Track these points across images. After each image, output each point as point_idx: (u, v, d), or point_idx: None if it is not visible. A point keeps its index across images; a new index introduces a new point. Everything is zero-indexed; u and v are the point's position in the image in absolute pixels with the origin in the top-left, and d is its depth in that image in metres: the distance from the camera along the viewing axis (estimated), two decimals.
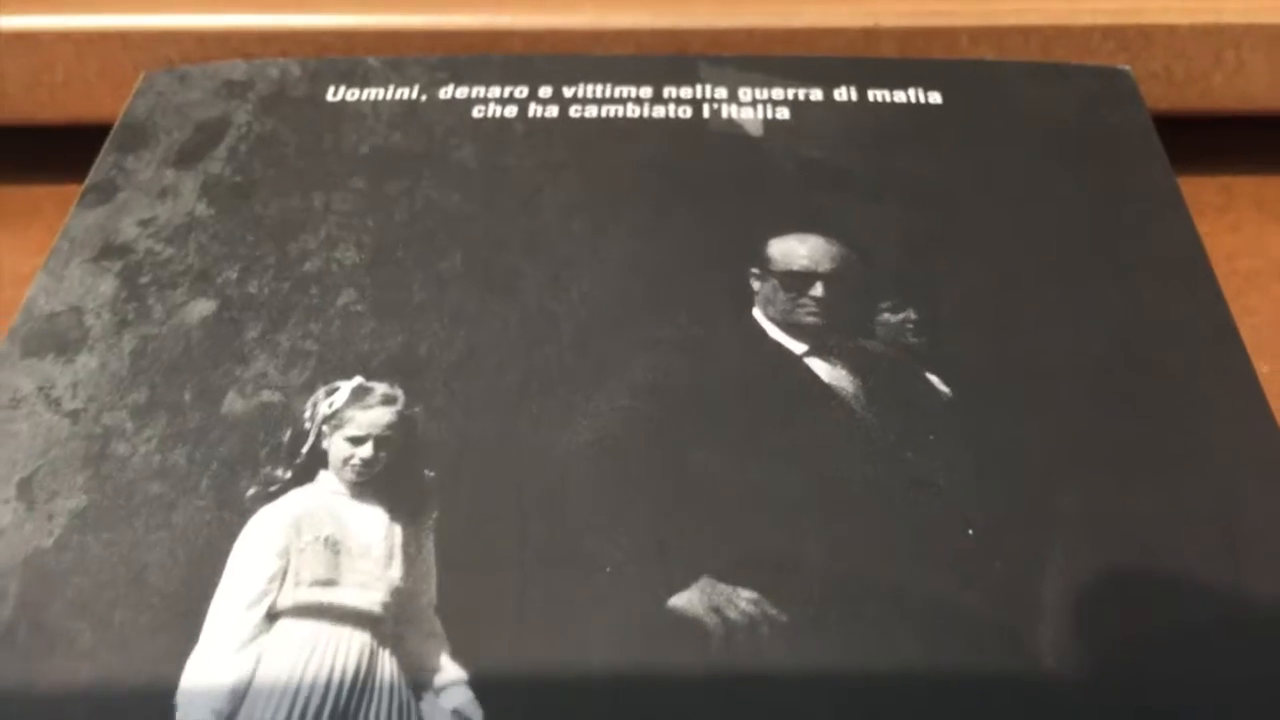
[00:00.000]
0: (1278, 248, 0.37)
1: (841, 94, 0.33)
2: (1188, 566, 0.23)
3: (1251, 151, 0.40)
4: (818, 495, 0.24)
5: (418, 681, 0.21)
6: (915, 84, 0.33)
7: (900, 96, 0.33)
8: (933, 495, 0.24)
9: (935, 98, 0.33)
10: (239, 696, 0.21)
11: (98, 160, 0.32)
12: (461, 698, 0.21)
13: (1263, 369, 0.32)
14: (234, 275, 0.29)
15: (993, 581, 0.22)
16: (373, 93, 0.33)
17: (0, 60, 0.36)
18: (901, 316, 0.27)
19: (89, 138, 0.34)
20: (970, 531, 0.23)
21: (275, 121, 0.33)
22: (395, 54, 0.34)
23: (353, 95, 0.33)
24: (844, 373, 0.26)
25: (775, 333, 0.27)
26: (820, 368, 0.26)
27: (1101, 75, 0.34)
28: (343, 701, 0.21)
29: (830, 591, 0.22)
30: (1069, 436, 0.25)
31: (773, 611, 0.22)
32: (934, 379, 0.26)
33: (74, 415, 0.26)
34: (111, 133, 0.33)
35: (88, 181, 0.32)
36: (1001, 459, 0.24)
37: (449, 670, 0.21)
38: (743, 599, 0.22)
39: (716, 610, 0.22)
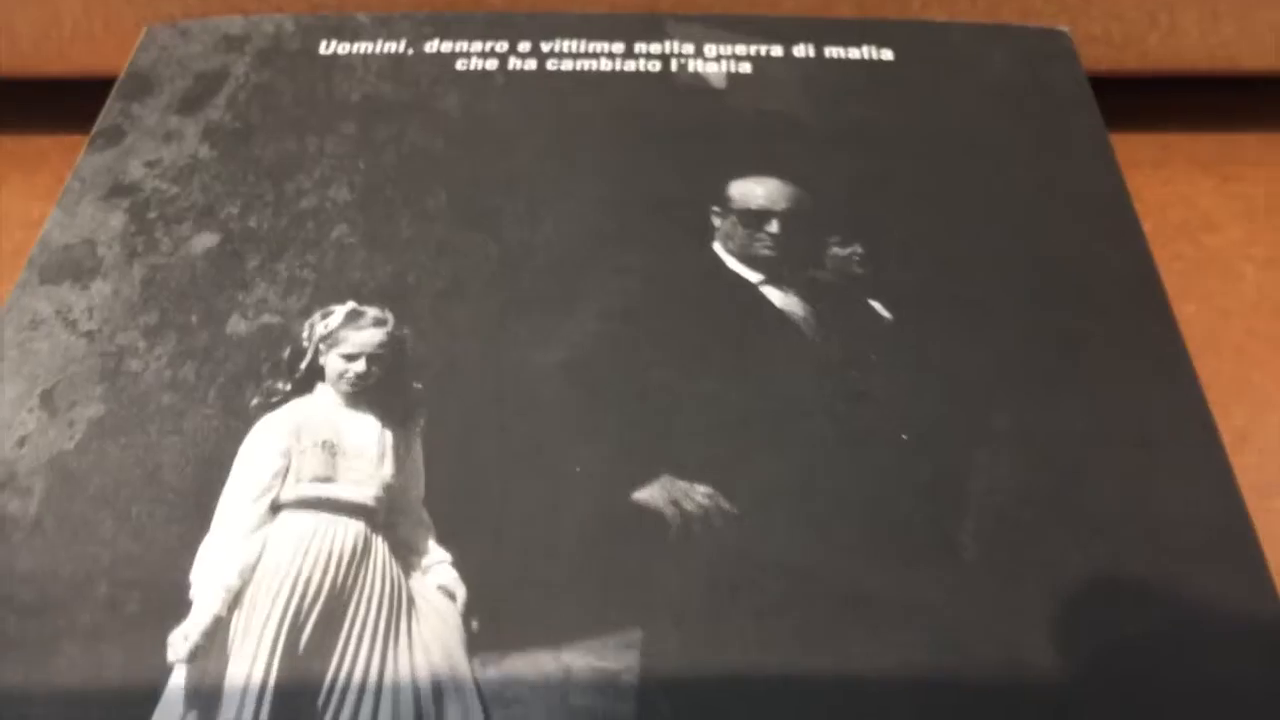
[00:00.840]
0: (1207, 200, 0.40)
1: (800, 50, 0.35)
2: (1100, 470, 0.25)
3: (1188, 111, 0.43)
4: (768, 406, 0.26)
5: (407, 563, 0.24)
6: (869, 42, 0.35)
7: (855, 53, 0.35)
8: (872, 407, 0.26)
9: (887, 55, 0.35)
10: (247, 574, 0.23)
11: (105, 108, 0.34)
12: (446, 576, 0.23)
13: (1188, 309, 0.35)
14: (235, 211, 0.31)
15: (922, 482, 0.25)
16: (362, 46, 0.36)
17: (11, 15, 0.38)
18: (849, 250, 0.30)
19: (92, 91, 0.36)
20: (904, 438, 0.26)
21: (271, 72, 0.35)
22: (384, 10, 0.36)
23: (344, 49, 0.36)
24: (795, 299, 0.28)
25: (733, 264, 0.29)
26: (774, 295, 0.29)
27: (1042, 36, 0.36)
28: (340, 578, 0.23)
29: (777, 488, 0.25)
30: (998, 358, 0.27)
31: (725, 504, 0.24)
32: (877, 305, 0.28)
33: (90, 335, 0.28)
34: (118, 82, 0.35)
35: (96, 127, 0.34)
36: (935, 376, 0.27)
37: (435, 553, 0.24)
38: (698, 493, 0.25)
39: (674, 503, 0.24)
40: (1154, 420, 0.26)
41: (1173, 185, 0.40)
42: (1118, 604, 0.23)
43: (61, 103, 0.40)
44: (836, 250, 0.30)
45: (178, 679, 0.22)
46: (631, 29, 0.35)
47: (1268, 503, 0.31)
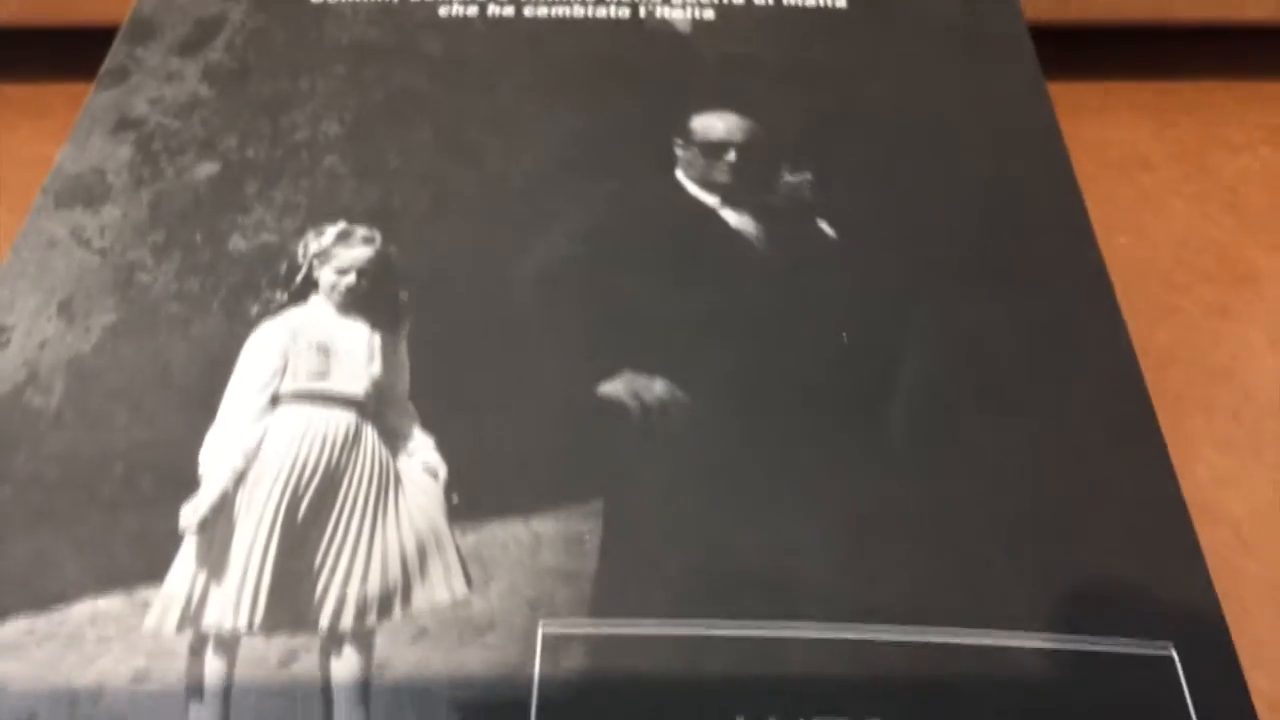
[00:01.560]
0: (1144, 142, 0.43)
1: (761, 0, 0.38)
2: (1019, 365, 0.28)
3: (1130, 61, 0.46)
4: (721, 312, 0.29)
5: (394, 446, 0.26)
6: None
7: (810, 2, 0.38)
8: (815, 312, 0.29)
9: (841, 3, 0.38)
10: (250, 457, 0.26)
11: (111, 51, 0.37)
12: (430, 457, 0.26)
13: (1121, 240, 0.38)
14: (234, 143, 0.33)
15: (857, 374, 0.28)
16: None
17: None
18: (799, 178, 0.32)
19: (95, 40, 0.38)
20: (845, 337, 0.28)
21: (266, 18, 0.37)
22: None
23: None
24: (749, 220, 0.31)
25: (693, 189, 0.32)
26: (730, 216, 0.31)
27: None
28: (334, 460, 0.26)
29: (727, 381, 0.28)
30: (931, 270, 0.30)
31: (680, 395, 0.27)
32: (823, 225, 0.31)
33: (102, 252, 0.31)
34: (122, 28, 0.37)
35: (103, 68, 0.36)
36: (874, 284, 0.30)
37: (419, 437, 0.27)
38: (657, 386, 0.27)
39: (635, 394, 0.27)
40: (1071, 326, 0.29)
41: (1113, 129, 0.43)
42: (1028, 478, 0.26)
43: (66, 52, 0.43)
44: (788, 178, 0.32)
45: (189, 545, 0.25)
46: None
47: (1184, 420, 0.34)
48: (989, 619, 0.23)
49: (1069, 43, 0.40)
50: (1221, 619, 0.24)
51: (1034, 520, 0.25)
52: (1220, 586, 0.29)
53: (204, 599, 0.24)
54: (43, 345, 0.29)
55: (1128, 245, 0.39)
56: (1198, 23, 0.43)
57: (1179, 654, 0.23)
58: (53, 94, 0.43)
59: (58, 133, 0.39)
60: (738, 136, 0.33)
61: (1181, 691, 0.23)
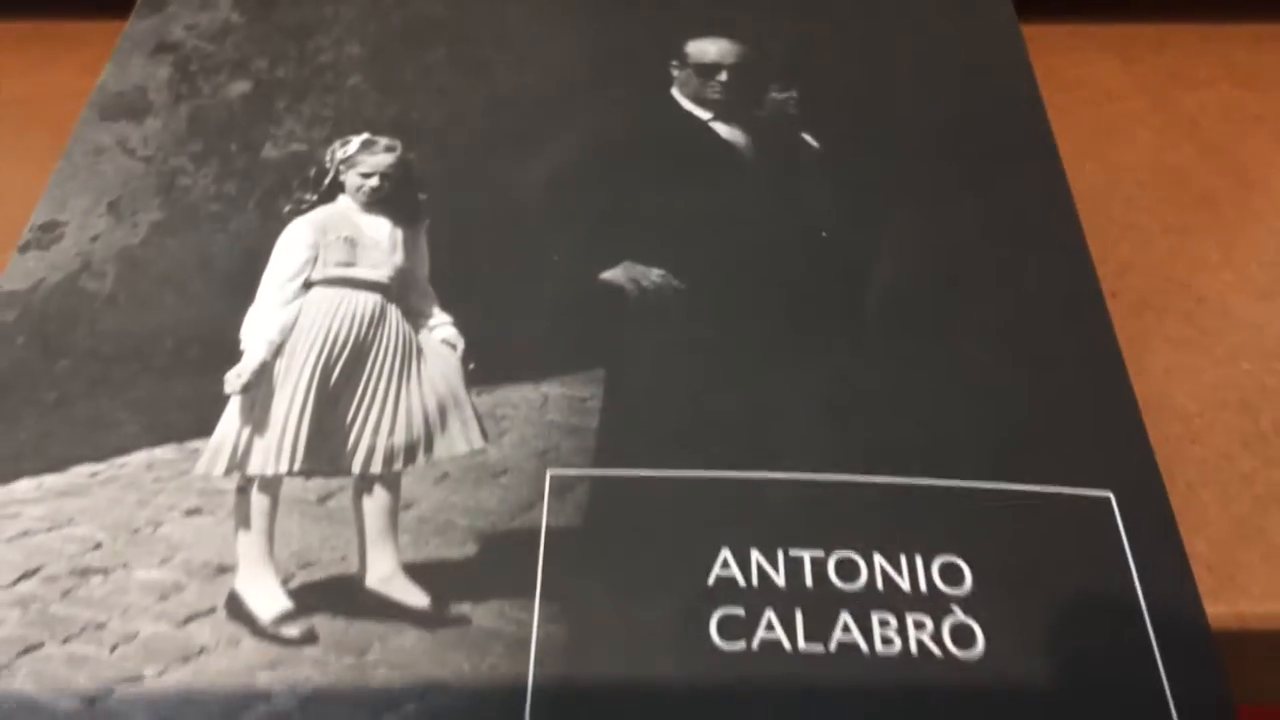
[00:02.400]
0: (1109, 78, 0.45)
1: None
2: (981, 262, 0.31)
3: (1101, 5, 0.49)
4: (711, 211, 0.32)
5: (416, 323, 0.29)
6: None
7: None
8: (798, 212, 0.32)
9: None
10: (286, 332, 0.29)
11: None
12: (448, 332, 0.29)
13: (1089, 165, 0.41)
14: (264, 65, 0.36)
15: (835, 267, 0.31)
16: None
17: None
18: (785, 95, 0.35)
19: None
20: (824, 234, 0.31)
21: None
22: None
23: None
24: (739, 132, 0.34)
25: (687, 105, 0.35)
26: (721, 129, 0.34)
27: None
28: (362, 334, 0.29)
29: (717, 271, 0.30)
30: (904, 177, 0.33)
31: (674, 281, 0.30)
32: (807, 137, 0.34)
33: (146, 160, 0.34)
34: None
35: None
36: (852, 189, 0.32)
37: (439, 316, 0.29)
38: (653, 273, 0.30)
39: (634, 280, 0.30)
40: (1032, 230, 0.32)
41: (1083, 66, 0.46)
42: (985, 353, 0.29)
43: None
44: (775, 95, 0.35)
45: (233, 405, 0.28)
46: None
47: (1139, 319, 0.37)
48: (947, 468, 0.26)
49: None
50: (1156, 472, 0.27)
51: (989, 387, 0.28)
52: (1170, 470, 0.32)
53: (249, 448, 0.27)
54: (95, 239, 0.32)
55: (1094, 170, 0.41)
56: None
57: (1117, 499, 0.26)
58: (90, 30, 0.46)
59: (94, 65, 0.41)
60: (729, 59, 0.36)
61: (1118, 530, 0.26)
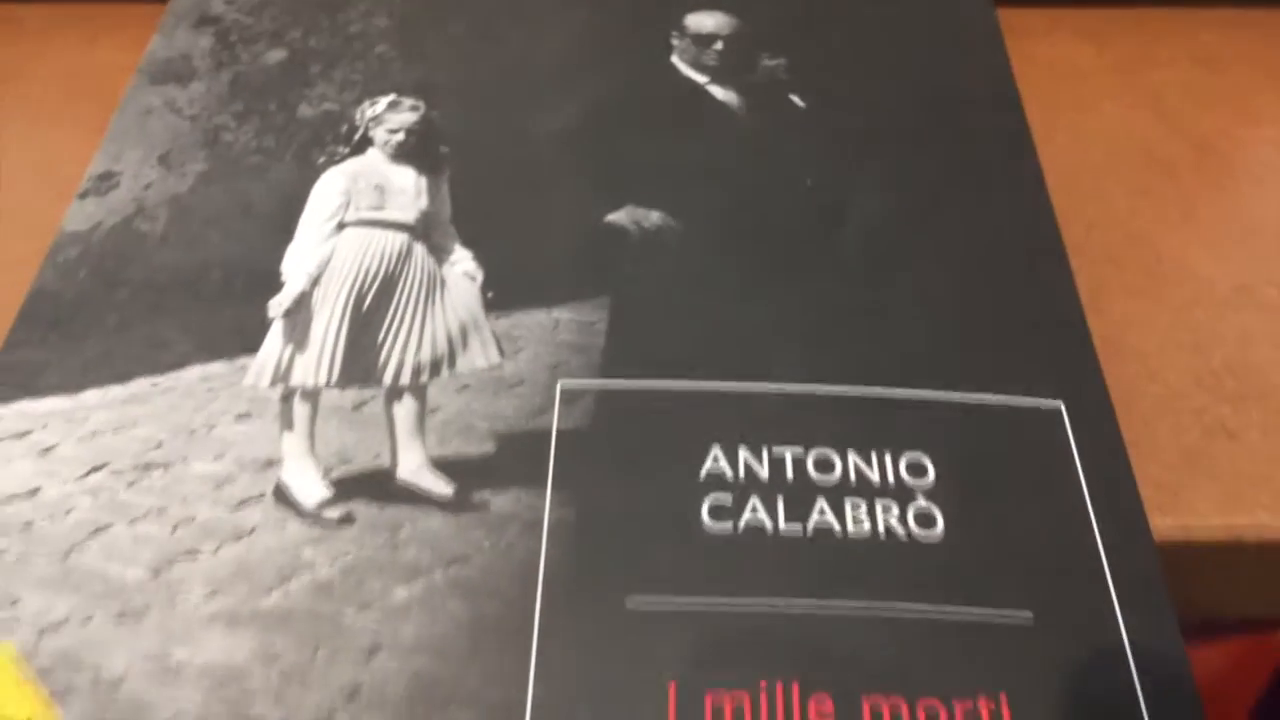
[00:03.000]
0: (1083, 59, 0.49)
1: None
2: (950, 206, 0.34)
3: None
4: (707, 162, 0.35)
5: (439, 258, 0.33)
6: None
7: None
8: (784, 162, 0.35)
9: None
10: (323, 265, 0.32)
11: None
12: (468, 265, 0.32)
13: (1060, 136, 0.44)
14: (299, 35, 0.40)
15: (818, 207, 0.34)
16: None
17: None
18: (775, 62, 0.38)
19: None
20: (808, 182, 0.35)
21: None
22: None
23: None
24: (732, 93, 0.37)
25: (686, 70, 0.38)
26: (716, 91, 0.37)
27: None
28: (391, 266, 0.32)
29: (711, 214, 0.34)
30: (881, 133, 0.36)
31: (672, 223, 0.33)
32: (794, 97, 0.37)
33: (192, 118, 0.37)
34: None
35: None
36: (833, 143, 0.36)
37: (460, 251, 0.33)
38: (653, 215, 0.34)
39: (636, 221, 0.33)
40: (994, 176, 0.35)
41: (1056, 47, 0.49)
42: (952, 283, 0.32)
43: None
44: (766, 62, 0.38)
45: (276, 327, 0.31)
46: None
47: (1100, 270, 0.40)
48: (915, 380, 0.30)
49: None
50: (1104, 389, 0.30)
51: (953, 310, 0.31)
52: (1127, 405, 0.35)
53: (291, 364, 0.30)
54: (147, 187, 0.35)
55: (1064, 139, 0.45)
56: None
57: (1067, 409, 0.29)
58: (127, 12, 0.49)
59: (132, 44, 0.45)
60: (724, 30, 0.39)
61: (1068, 436, 0.29)
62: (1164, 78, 0.48)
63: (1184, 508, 0.34)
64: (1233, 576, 0.34)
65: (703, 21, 0.39)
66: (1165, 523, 0.33)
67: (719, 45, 0.38)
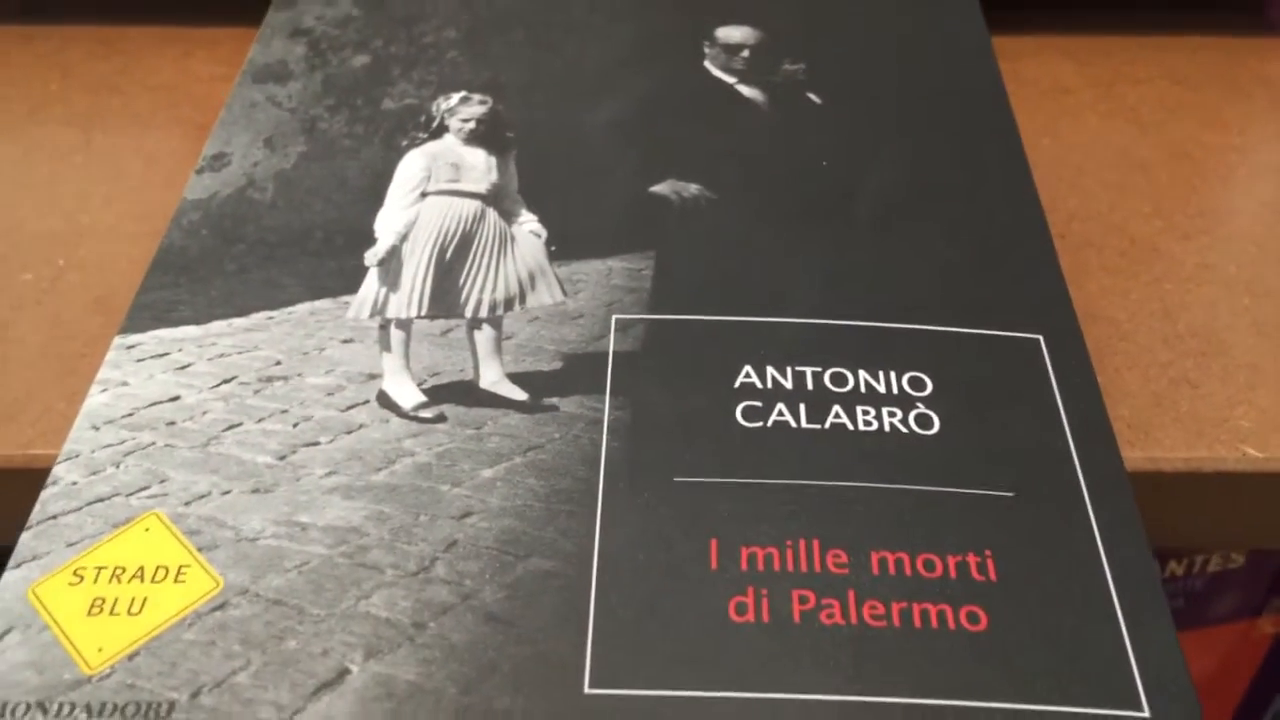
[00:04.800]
0: (1066, 76, 0.55)
1: None
2: (946, 184, 0.40)
3: (1061, 21, 0.58)
4: (736, 148, 0.41)
5: (508, 220, 0.38)
6: None
7: None
8: (803, 147, 0.41)
9: None
10: (410, 225, 0.38)
11: None
12: (534, 225, 0.38)
13: (1045, 141, 0.50)
14: (380, 44, 0.46)
15: (833, 183, 0.39)
16: None
17: None
18: (796, 67, 0.44)
19: None
20: (824, 164, 0.40)
21: None
22: None
23: None
24: (758, 92, 0.43)
25: (717, 73, 0.44)
26: (743, 89, 0.43)
27: None
28: (468, 226, 0.38)
29: (741, 187, 0.39)
30: (887, 124, 0.42)
31: (709, 194, 0.39)
32: (812, 95, 0.43)
33: (291, 110, 0.43)
34: None
35: None
36: (847, 128, 0.42)
37: (526, 214, 0.38)
38: (692, 187, 0.39)
39: (676, 192, 0.39)
40: (985, 160, 0.41)
41: (1044, 68, 0.55)
42: (948, 246, 0.37)
43: (225, 1, 0.56)
44: (788, 66, 0.44)
45: (372, 273, 0.37)
46: None
47: (1081, 253, 0.45)
48: (915, 316, 0.35)
49: (1012, 4, 0.53)
50: (1078, 327, 0.36)
51: (948, 262, 0.37)
52: (1101, 358, 0.41)
53: (386, 300, 0.36)
54: (255, 164, 0.41)
55: (1049, 144, 0.50)
56: None
57: (1045, 342, 0.35)
58: (219, 34, 0.56)
59: (225, 60, 0.51)
60: (751, 41, 0.45)
61: (1046, 364, 0.34)
62: (1140, 93, 0.54)
63: (1152, 443, 0.39)
64: (1194, 504, 0.39)
65: (731, 33, 0.45)
66: (1136, 455, 0.39)
67: (745, 53, 0.44)
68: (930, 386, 0.33)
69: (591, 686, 0.26)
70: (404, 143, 0.41)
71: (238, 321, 0.35)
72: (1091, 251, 0.46)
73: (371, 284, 0.36)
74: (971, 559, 0.29)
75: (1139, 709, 0.26)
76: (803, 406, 0.32)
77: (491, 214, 0.38)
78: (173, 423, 0.32)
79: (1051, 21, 0.58)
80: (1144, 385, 0.41)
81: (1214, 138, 0.51)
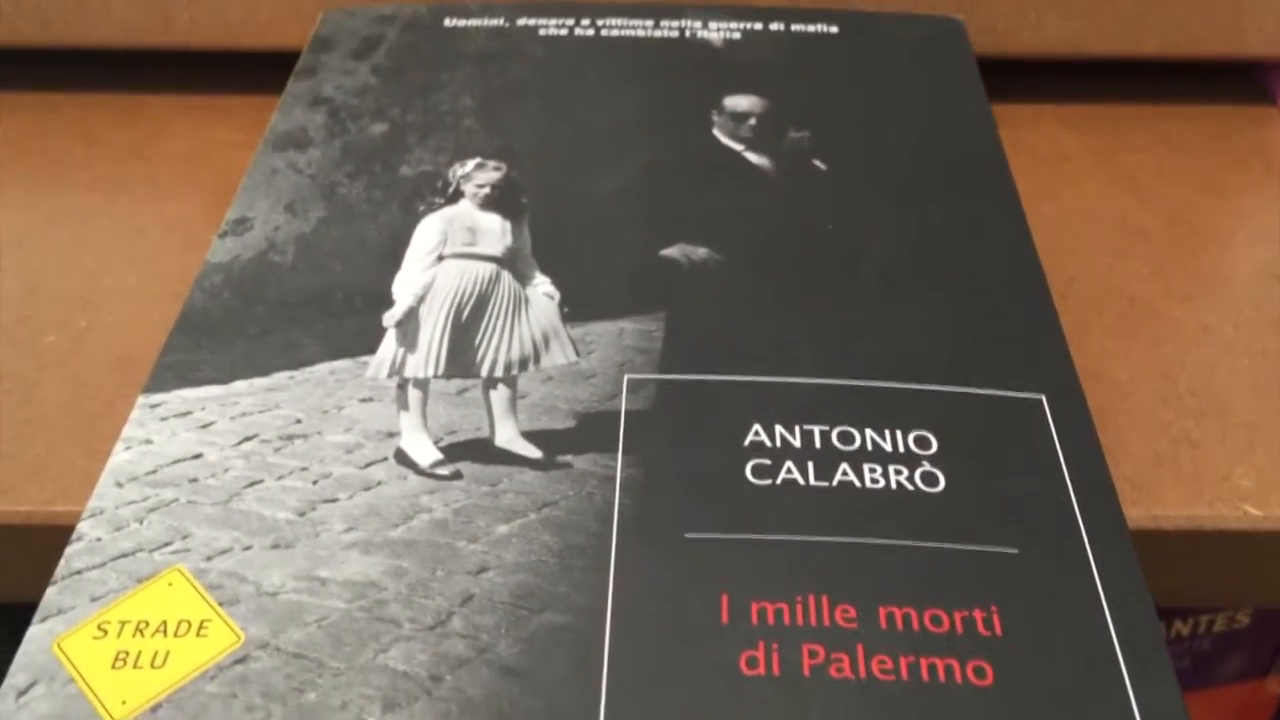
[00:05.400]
0: (1066, 143, 0.56)
1: (775, 26, 0.52)
2: (949, 249, 0.41)
3: (1059, 88, 0.60)
4: (744, 211, 0.42)
5: (523, 282, 0.39)
6: (822, 21, 0.52)
7: (812, 29, 0.52)
8: (809, 212, 0.42)
9: (834, 29, 0.52)
10: (427, 288, 0.39)
11: (301, 57, 0.51)
12: (548, 287, 0.39)
13: (1045, 207, 0.51)
14: (397, 112, 0.47)
15: (838, 247, 0.41)
16: (474, 21, 0.52)
17: (225, 6, 0.55)
18: (800, 135, 0.46)
19: (267, 64, 0.52)
20: (830, 228, 0.41)
21: (413, 36, 0.52)
22: (487, 2, 0.53)
23: (461, 23, 0.52)
24: (765, 159, 0.44)
25: (725, 140, 0.45)
26: (751, 156, 0.45)
27: (943, 22, 0.53)
28: (483, 289, 0.39)
29: (749, 249, 0.40)
30: (891, 191, 0.43)
31: (717, 256, 0.40)
32: (817, 162, 0.44)
33: (311, 177, 0.44)
34: (308, 42, 0.52)
35: (296, 68, 0.50)
36: (849, 197, 0.43)
37: (540, 277, 0.39)
38: (700, 251, 0.40)
39: (686, 255, 0.40)
40: (987, 226, 0.42)
41: (1044, 136, 0.57)
42: (949, 309, 0.38)
43: (248, 70, 0.57)
44: (793, 134, 0.46)
45: (390, 334, 0.38)
46: (660, 11, 0.52)
47: (1082, 314, 0.46)
48: (919, 377, 0.36)
49: (1013, 74, 0.55)
50: (1079, 387, 0.36)
51: (951, 325, 0.38)
52: (1103, 418, 0.42)
53: (404, 361, 0.37)
54: (276, 229, 0.42)
55: (1049, 210, 0.52)
56: (1107, 56, 0.56)
57: (1047, 402, 0.35)
58: (240, 103, 0.57)
59: (245, 128, 0.53)
60: (757, 109, 0.47)
61: (1049, 424, 0.35)
62: (1138, 160, 0.55)
63: (1154, 501, 0.40)
64: (1194, 561, 0.40)
65: (738, 102, 0.47)
66: (1138, 513, 0.39)
67: (752, 121, 0.46)
68: (936, 445, 0.33)
69: None
70: (421, 208, 0.42)
71: (259, 381, 0.36)
72: (1092, 313, 0.47)
73: (390, 344, 0.37)
74: (978, 614, 0.29)
75: None
76: (811, 464, 0.33)
77: (506, 276, 0.39)
78: (195, 479, 0.33)
79: (1051, 90, 0.59)
80: (1145, 444, 0.41)
81: (1211, 204, 0.53)
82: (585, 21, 0.52)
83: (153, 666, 0.28)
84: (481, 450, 0.34)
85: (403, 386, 0.36)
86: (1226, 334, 0.45)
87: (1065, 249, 0.50)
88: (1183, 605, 0.64)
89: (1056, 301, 0.42)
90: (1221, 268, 0.49)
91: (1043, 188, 0.53)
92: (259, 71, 0.55)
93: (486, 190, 0.42)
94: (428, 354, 0.37)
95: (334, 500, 0.32)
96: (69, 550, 0.31)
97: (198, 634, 0.29)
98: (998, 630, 0.29)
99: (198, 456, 0.34)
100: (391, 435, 0.34)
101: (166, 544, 0.31)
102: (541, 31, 0.51)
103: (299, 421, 0.35)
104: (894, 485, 0.32)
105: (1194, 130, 0.58)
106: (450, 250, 0.40)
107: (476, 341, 0.37)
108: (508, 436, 0.34)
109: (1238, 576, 0.41)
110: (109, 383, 0.42)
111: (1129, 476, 0.40)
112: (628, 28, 0.51)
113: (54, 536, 0.36)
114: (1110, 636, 0.29)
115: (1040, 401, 0.35)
